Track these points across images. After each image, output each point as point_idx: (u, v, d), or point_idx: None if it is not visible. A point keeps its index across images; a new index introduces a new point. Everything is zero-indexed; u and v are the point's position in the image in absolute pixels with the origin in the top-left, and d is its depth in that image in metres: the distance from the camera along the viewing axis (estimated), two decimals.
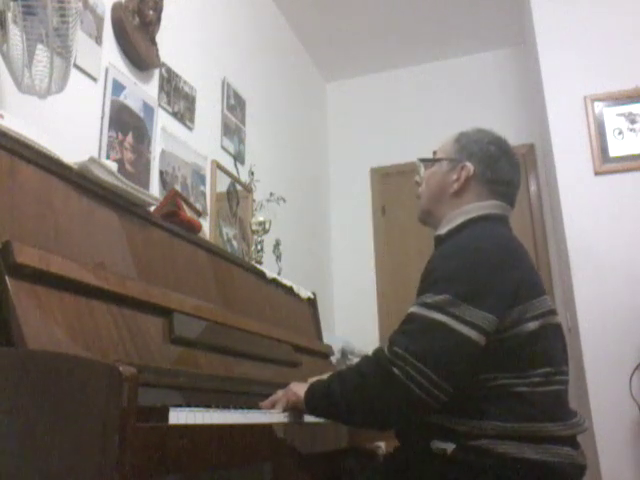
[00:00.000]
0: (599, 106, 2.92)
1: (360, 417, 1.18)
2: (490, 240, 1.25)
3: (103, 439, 0.76)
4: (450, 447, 1.14)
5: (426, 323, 1.12)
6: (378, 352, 1.15)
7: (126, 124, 2.03)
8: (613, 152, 2.85)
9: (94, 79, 1.91)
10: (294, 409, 1.25)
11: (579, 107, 2.95)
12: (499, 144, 1.39)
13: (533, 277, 1.26)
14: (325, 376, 1.26)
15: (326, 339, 2.46)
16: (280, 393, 1.28)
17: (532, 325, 1.17)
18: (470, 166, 1.35)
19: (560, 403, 1.20)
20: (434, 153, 1.46)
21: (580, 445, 1.21)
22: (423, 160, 1.47)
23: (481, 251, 1.21)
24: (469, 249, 1.23)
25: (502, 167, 1.36)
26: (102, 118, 1.93)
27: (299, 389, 1.24)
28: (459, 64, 4.09)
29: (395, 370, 1.08)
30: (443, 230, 1.34)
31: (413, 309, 1.17)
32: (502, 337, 1.15)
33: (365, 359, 1.19)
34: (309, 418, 1.30)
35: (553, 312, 1.24)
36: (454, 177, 1.36)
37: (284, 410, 1.24)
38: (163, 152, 2.24)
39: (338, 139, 4.31)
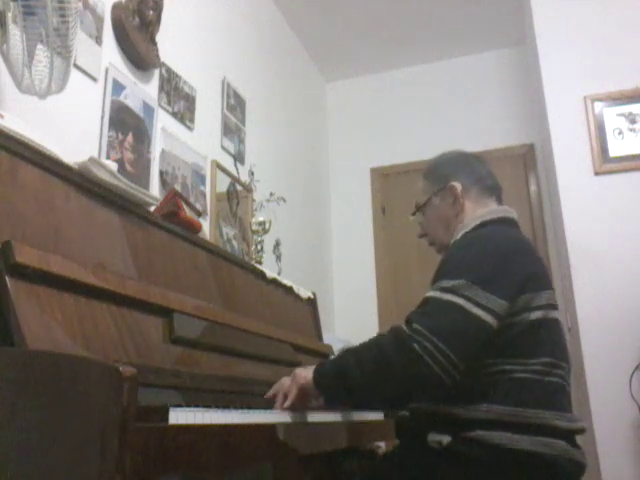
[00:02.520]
0: (599, 106, 2.92)
1: (374, 390, 1.21)
2: (502, 235, 1.34)
3: (103, 439, 0.76)
4: (446, 439, 1.17)
5: (443, 304, 1.17)
6: (396, 328, 1.17)
7: (126, 124, 2.03)
8: (613, 152, 2.85)
9: (94, 79, 1.91)
10: (304, 394, 1.24)
11: (579, 107, 2.95)
12: (458, 153, 1.53)
13: (542, 270, 1.32)
14: (310, 369, 1.26)
15: (326, 339, 2.46)
16: (287, 381, 1.27)
17: (535, 314, 1.22)
18: (455, 183, 1.44)
19: (558, 396, 1.22)
20: (416, 205, 1.54)
21: (580, 446, 1.22)
22: (417, 210, 1.54)
23: (494, 243, 1.29)
24: (483, 241, 1.30)
25: (475, 165, 1.49)
26: (102, 118, 1.93)
27: (306, 372, 1.25)
28: (459, 64, 4.09)
29: (415, 345, 1.11)
30: (459, 235, 1.39)
31: (430, 293, 1.21)
32: (507, 323, 1.19)
33: (381, 335, 1.20)
34: (310, 418, 1.29)
35: (554, 307, 1.28)
36: (450, 201, 1.45)
37: (296, 400, 1.23)
38: (163, 152, 2.24)
39: (338, 139, 4.31)
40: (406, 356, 1.12)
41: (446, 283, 1.19)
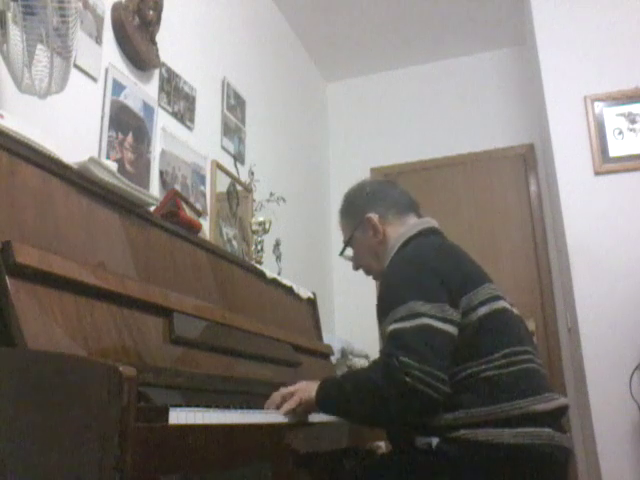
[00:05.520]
0: (599, 106, 2.92)
1: (375, 422, 1.31)
2: (426, 247, 1.39)
3: (103, 439, 0.76)
4: (434, 441, 1.19)
5: (412, 331, 1.18)
6: (386, 363, 1.17)
7: (126, 124, 2.03)
8: (613, 152, 2.85)
9: (94, 79, 1.91)
10: (305, 409, 1.26)
11: (579, 107, 2.95)
12: (367, 183, 1.61)
13: (475, 269, 1.36)
14: (314, 387, 1.27)
15: (326, 339, 2.46)
16: (290, 389, 1.27)
17: (481, 311, 1.25)
18: (370, 214, 1.49)
19: (528, 380, 1.23)
20: (344, 244, 1.59)
21: (566, 430, 1.24)
22: (343, 249, 1.60)
23: (422, 257, 1.33)
24: (411, 258, 1.35)
25: (386, 190, 1.55)
26: (102, 118, 1.93)
27: (310, 389, 1.26)
28: (459, 64, 4.09)
29: (407, 379, 1.12)
30: (387, 261, 1.44)
31: (393, 326, 1.21)
32: (460, 327, 1.22)
33: (374, 370, 1.20)
34: (310, 418, 1.29)
35: (498, 297, 1.31)
36: (370, 233, 1.50)
37: (295, 407, 1.24)
38: (163, 152, 2.24)
39: (338, 139, 4.31)
40: (401, 391, 1.13)
41: (401, 312, 1.20)
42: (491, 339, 1.24)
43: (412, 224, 1.47)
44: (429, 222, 1.49)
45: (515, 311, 1.36)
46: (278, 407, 1.24)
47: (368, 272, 1.59)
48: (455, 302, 1.23)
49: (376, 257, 1.51)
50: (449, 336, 1.19)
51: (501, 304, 1.30)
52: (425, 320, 1.18)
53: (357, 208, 1.54)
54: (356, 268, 1.62)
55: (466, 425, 1.16)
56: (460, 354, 1.21)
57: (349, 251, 1.60)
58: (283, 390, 1.28)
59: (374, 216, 1.49)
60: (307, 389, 1.26)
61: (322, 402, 1.24)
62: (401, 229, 1.46)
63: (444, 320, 1.19)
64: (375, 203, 1.51)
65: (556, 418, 1.23)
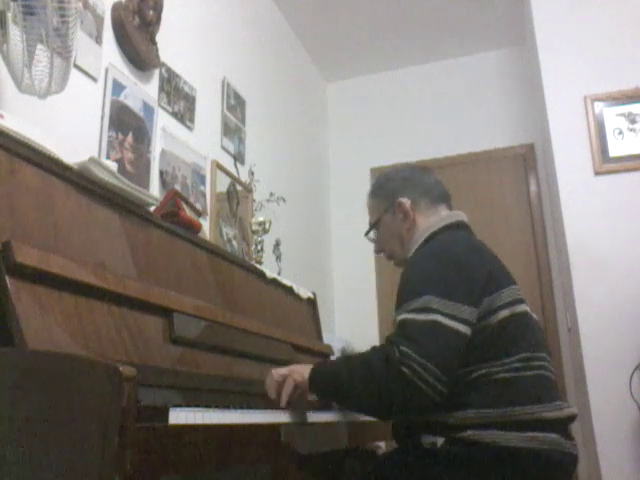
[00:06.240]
0: (599, 106, 2.92)
1: (364, 407, 1.26)
2: (454, 242, 1.35)
3: (103, 439, 0.76)
4: (440, 440, 1.18)
5: (422, 325, 1.16)
6: (387, 350, 1.16)
7: (126, 124, 2.03)
8: (613, 152, 2.85)
9: (94, 79, 1.91)
10: (301, 394, 1.25)
11: (579, 107, 2.95)
12: (403, 167, 1.57)
13: (500, 269, 1.33)
14: (307, 368, 1.26)
15: (326, 339, 2.46)
16: (283, 372, 1.27)
17: (502, 313, 1.24)
18: (403, 199, 1.46)
19: (542, 387, 1.23)
20: (370, 225, 1.56)
21: (573, 437, 1.24)
22: (369, 230, 1.57)
23: (448, 252, 1.30)
24: (437, 253, 1.32)
25: (421, 177, 1.50)
26: (102, 118, 1.93)
27: (303, 370, 1.25)
28: (459, 64, 4.09)
29: (404, 369, 1.11)
30: (412, 250, 1.42)
31: (403, 316, 1.20)
32: (478, 328, 1.21)
33: (374, 354, 1.20)
34: (310, 418, 1.30)
35: (520, 301, 1.30)
36: (400, 217, 1.47)
37: (291, 396, 1.24)
38: (163, 152, 2.24)
39: (338, 139, 4.31)
40: (395, 379, 1.12)
41: (415, 304, 1.19)
42: (509, 342, 1.23)
43: (443, 216, 1.44)
44: (459, 215, 1.45)
45: (534, 316, 1.34)
46: (276, 394, 1.24)
47: (390, 257, 1.56)
48: (476, 301, 1.21)
49: (401, 243, 1.48)
50: (459, 336, 1.16)
51: (523, 308, 1.29)
52: (436, 317, 1.16)
53: (389, 191, 1.50)
54: (378, 252, 1.59)
55: (474, 425, 1.15)
56: (475, 354, 1.20)
57: (373, 233, 1.57)
58: (275, 373, 1.27)
59: (406, 201, 1.46)
60: (300, 370, 1.26)
61: (315, 381, 1.23)
62: (431, 219, 1.43)
63: (456, 319, 1.16)
64: (408, 188, 1.48)
65: (565, 426, 1.22)
